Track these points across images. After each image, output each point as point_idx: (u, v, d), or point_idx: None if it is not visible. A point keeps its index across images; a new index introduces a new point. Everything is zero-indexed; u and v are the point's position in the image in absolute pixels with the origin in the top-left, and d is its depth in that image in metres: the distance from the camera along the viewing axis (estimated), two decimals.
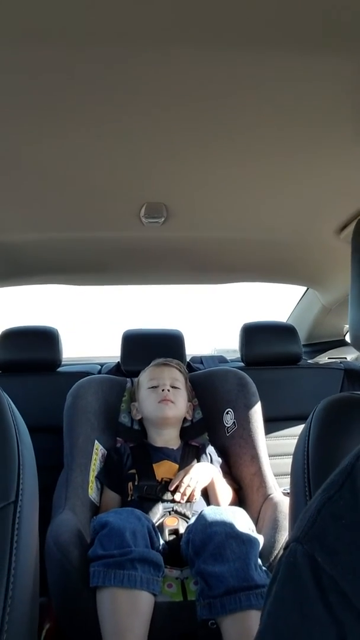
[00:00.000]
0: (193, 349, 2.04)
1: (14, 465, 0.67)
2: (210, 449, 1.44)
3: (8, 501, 0.64)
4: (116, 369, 1.78)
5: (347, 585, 0.33)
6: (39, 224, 1.28)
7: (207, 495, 1.31)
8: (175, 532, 1.19)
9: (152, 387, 1.46)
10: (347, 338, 2.24)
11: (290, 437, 1.68)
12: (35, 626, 0.74)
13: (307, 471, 0.70)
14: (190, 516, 1.22)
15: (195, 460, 1.38)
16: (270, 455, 1.43)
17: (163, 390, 1.44)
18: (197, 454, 1.42)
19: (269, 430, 1.55)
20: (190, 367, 1.81)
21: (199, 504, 1.26)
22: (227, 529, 1.05)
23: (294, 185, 1.07)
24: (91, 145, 0.89)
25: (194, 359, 1.98)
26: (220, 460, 1.42)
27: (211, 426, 1.54)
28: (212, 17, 0.60)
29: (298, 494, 0.70)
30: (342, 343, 2.24)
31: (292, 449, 0.78)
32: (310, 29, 0.62)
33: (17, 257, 1.51)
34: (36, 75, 0.69)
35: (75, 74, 0.69)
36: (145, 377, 1.50)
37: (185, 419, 1.52)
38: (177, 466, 1.35)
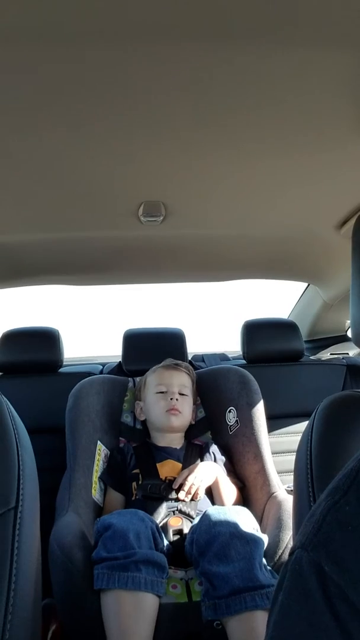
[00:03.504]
0: (222, 345, 2.03)
1: (13, 470, 0.66)
2: (214, 448, 1.43)
3: (8, 507, 0.64)
4: (118, 369, 1.78)
5: (354, 593, 0.32)
6: (36, 225, 1.27)
7: (212, 494, 1.31)
8: (179, 532, 1.18)
9: (160, 392, 1.44)
10: (349, 334, 2.23)
11: (294, 434, 1.68)
12: (37, 630, 0.73)
13: (310, 470, 0.69)
14: (194, 516, 1.21)
15: (199, 459, 1.37)
16: (273, 453, 1.43)
17: (172, 399, 1.42)
18: (201, 453, 1.41)
19: (271, 427, 1.54)
20: (192, 366, 1.80)
21: (203, 503, 1.26)
22: (231, 529, 1.05)
23: (293, 181, 1.06)
24: (88, 144, 0.88)
25: (195, 357, 1.97)
26: (223, 458, 1.41)
27: (214, 425, 1.53)
28: (209, 13, 0.59)
29: (301, 493, 0.70)
30: (344, 338, 2.23)
31: (295, 446, 0.78)
32: (311, 23, 0.61)
33: (15, 258, 1.51)
34: (32, 74, 0.68)
35: (72, 73, 0.69)
36: (153, 379, 1.48)
37: None
38: (180, 465, 1.34)
